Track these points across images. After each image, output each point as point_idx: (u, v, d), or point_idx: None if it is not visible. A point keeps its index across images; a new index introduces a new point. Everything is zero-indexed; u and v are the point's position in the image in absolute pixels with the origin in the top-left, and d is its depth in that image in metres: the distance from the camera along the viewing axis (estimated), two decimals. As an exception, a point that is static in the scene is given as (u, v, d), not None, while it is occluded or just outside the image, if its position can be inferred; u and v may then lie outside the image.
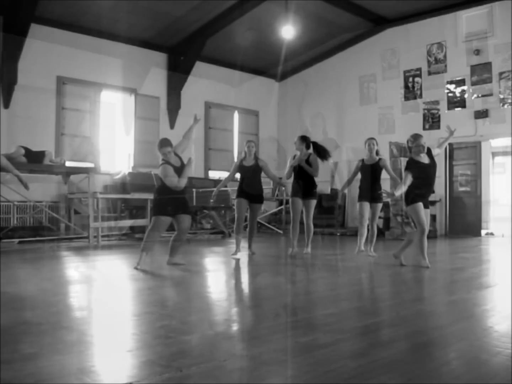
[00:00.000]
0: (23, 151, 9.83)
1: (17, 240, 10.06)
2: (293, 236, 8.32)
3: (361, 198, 8.03)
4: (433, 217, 12.27)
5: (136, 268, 6.27)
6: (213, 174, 15.29)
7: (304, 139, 8.53)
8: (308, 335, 3.16)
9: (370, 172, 7.98)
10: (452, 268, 6.93)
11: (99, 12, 11.91)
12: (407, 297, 4.80)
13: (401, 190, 6.58)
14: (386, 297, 4.85)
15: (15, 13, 11.10)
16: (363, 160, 8.13)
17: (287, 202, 13.38)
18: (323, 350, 2.88)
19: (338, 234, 12.88)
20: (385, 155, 12.30)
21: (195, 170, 13.21)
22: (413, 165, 6.62)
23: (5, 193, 10.12)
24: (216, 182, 14.53)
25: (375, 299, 4.54)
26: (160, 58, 14.17)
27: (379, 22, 14.38)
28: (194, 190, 12.61)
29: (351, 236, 12.60)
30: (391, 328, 3.51)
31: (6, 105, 11.40)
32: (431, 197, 7.38)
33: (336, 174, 13.80)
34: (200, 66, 14.44)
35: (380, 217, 13.13)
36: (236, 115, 16.07)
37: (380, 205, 8.12)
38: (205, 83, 14.82)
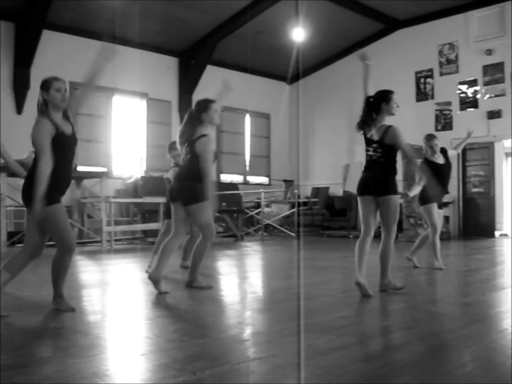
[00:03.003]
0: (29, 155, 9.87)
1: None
2: None
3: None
4: (446, 219, 12.21)
5: (147, 271, 6.29)
6: (225, 178, 15.32)
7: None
8: (321, 338, 3.16)
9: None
10: (466, 270, 6.89)
11: (110, 18, 11.97)
12: (421, 299, 4.78)
13: (415, 191, 6.56)
14: (399, 299, 4.83)
15: (27, 20, 11.19)
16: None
17: (299, 205, 13.41)
18: (337, 353, 2.87)
19: (351, 236, 12.85)
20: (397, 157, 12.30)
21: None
22: (427, 165, 6.60)
23: (19, 198, 10.17)
24: (228, 185, 14.57)
25: (389, 301, 4.52)
26: (171, 62, 14.22)
27: (390, 24, 14.35)
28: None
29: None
30: (405, 330, 3.49)
31: (19, 111, 11.49)
32: (445, 198, 7.34)
33: (348, 176, 13.78)
34: (211, 70, 14.47)
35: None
36: (247, 118, 16.09)
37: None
38: (216, 86, 14.81)
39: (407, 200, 11.34)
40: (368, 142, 4.93)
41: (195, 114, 5.17)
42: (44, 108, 3.93)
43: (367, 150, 4.93)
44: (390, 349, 2.98)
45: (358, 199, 4.90)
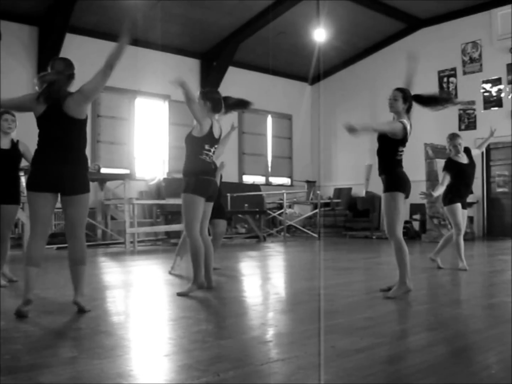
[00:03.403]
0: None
1: (55, 246, 10.23)
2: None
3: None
4: (470, 219, 12.09)
5: (170, 272, 6.33)
6: (247, 179, 15.33)
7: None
8: (344, 339, 3.14)
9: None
10: (491, 271, 6.82)
11: (133, 20, 12.04)
12: (445, 300, 4.74)
13: (439, 191, 6.51)
14: (423, 300, 4.80)
15: (51, 24, 11.32)
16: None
17: (321, 206, 13.36)
18: (360, 354, 2.85)
19: (374, 237, 12.79)
20: (420, 157, 12.20)
21: (230, 175, 13.27)
22: (451, 165, 6.55)
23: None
24: (250, 186, 14.58)
25: (412, 302, 4.49)
26: (193, 64, 14.28)
27: (412, 23, 14.26)
28: (228, 195, 12.65)
29: (387, 239, 12.49)
30: (429, 332, 3.46)
31: (44, 113, 11.61)
32: (469, 198, 7.27)
33: (370, 177, 13.70)
34: (232, 71, 14.50)
35: (416, 219, 13.02)
36: (269, 119, 16.09)
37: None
38: (238, 88, 14.87)
39: (431, 201, 11.27)
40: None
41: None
42: None
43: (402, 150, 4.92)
44: (414, 350, 2.95)
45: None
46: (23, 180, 7.72)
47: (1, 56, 10.28)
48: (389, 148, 4.77)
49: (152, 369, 2.69)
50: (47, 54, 11.60)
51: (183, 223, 5.05)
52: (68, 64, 4.19)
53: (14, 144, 5.48)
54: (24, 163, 5.79)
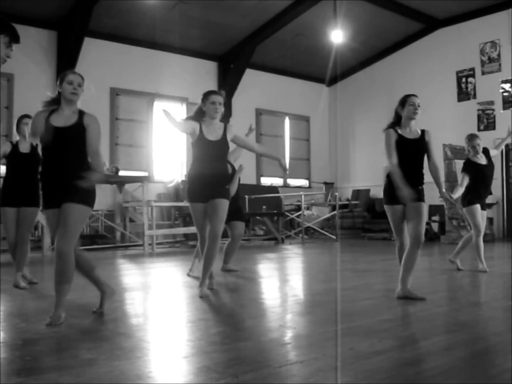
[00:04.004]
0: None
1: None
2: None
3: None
4: (490, 220, 11.99)
5: (189, 274, 6.35)
6: (265, 181, 15.33)
7: None
8: (363, 342, 3.13)
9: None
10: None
11: (150, 24, 12.14)
12: (465, 302, 4.70)
13: (458, 193, 6.46)
14: (442, 302, 4.76)
15: (69, 28, 11.43)
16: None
17: (340, 208, 13.32)
18: (379, 357, 2.84)
19: (392, 239, 12.69)
20: (439, 158, 12.12)
21: (248, 177, 13.28)
22: (470, 166, 6.50)
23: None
24: (268, 188, 14.58)
25: (432, 304, 4.45)
26: (211, 66, 14.32)
27: (430, 23, 14.18)
28: (246, 196, 12.66)
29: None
30: (449, 334, 3.44)
31: (63, 117, 11.70)
32: (488, 199, 7.21)
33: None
34: (250, 73, 14.52)
35: (435, 221, 12.93)
36: (287, 121, 16.08)
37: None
38: (255, 90, 14.90)
39: (450, 202, 11.19)
40: None
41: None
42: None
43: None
44: (433, 353, 2.93)
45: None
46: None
47: (21, 60, 10.38)
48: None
49: (170, 371, 2.70)
50: (66, 58, 11.72)
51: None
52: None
53: (34, 148, 5.55)
54: None
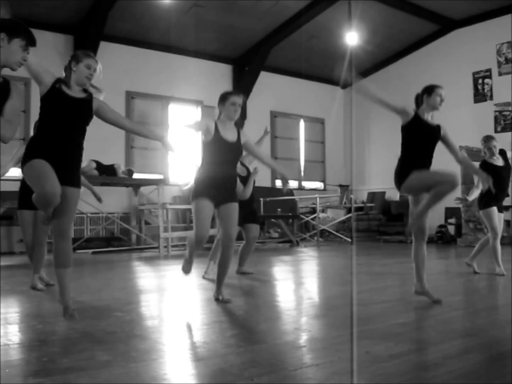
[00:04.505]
0: (94, 165, 10.17)
1: (90, 250, 10.37)
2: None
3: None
4: (507, 223, 11.88)
5: (204, 277, 6.36)
6: (280, 183, 15.29)
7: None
8: (379, 345, 3.12)
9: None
10: (529, 276, 6.68)
11: (165, 27, 12.20)
12: (482, 306, 4.66)
13: (474, 195, 6.41)
14: (459, 306, 4.73)
15: (85, 32, 11.51)
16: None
17: (355, 210, 13.29)
18: (395, 360, 2.82)
19: (408, 241, 12.64)
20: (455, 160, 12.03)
21: (262, 179, 13.28)
22: (486, 167, 6.45)
23: (79, 205, 10.44)
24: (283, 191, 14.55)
25: (448, 308, 4.42)
26: (225, 69, 14.35)
27: (446, 24, 14.10)
28: (261, 199, 12.66)
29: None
30: (466, 338, 3.41)
31: (79, 120, 11.78)
32: (505, 202, 7.15)
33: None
34: (264, 76, 14.53)
35: (451, 223, 12.85)
36: (301, 123, 16.07)
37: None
38: (270, 92, 14.91)
39: (466, 204, 11.11)
40: None
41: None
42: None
43: None
44: (451, 357, 2.91)
45: None
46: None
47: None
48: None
49: (185, 373, 2.70)
50: (82, 61, 11.77)
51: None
52: None
53: None
54: None
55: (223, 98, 4.82)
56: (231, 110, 4.75)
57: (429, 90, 4.73)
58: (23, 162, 3.65)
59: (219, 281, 4.78)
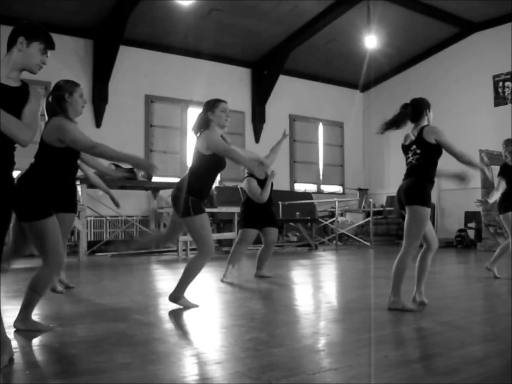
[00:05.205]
0: (114, 168, 10.23)
1: (109, 253, 10.43)
2: None
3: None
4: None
5: (222, 280, 6.37)
6: (299, 187, 15.31)
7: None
8: (398, 350, 3.10)
9: None
10: (551, 281, 6.60)
11: (184, 31, 12.26)
12: (502, 311, 4.61)
13: (494, 197, 6.36)
14: (479, 311, 4.69)
15: (105, 37, 11.61)
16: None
17: (374, 214, 13.23)
18: (414, 365, 2.81)
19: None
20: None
21: (281, 183, 13.29)
22: (506, 170, 6.39)
23: (98, 208, 10.54)
24: (302, 195, 14.56)
25: (468, 313, 4.39)
26: (244, 73, 14.38)
27: (466, 27, 14.00)
28: (280, 203, 12.65)
29: (441, 248, 12.24)
30: (486, 343, 3.38)
31: (98, 124, 11.89)
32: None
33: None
34: (283, 80, 14.54)
35: (471, 228, 12.73)
36: (320, 127, 16.04)
37: None
38: (288, 96, 14.91)
39: (486, 208, 11.02)
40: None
41: (202, 115, 4.87)
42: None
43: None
44: (470, 362, 2.88)
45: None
46: (79, 189, 7.92)
47: (58, 68, 10.55)
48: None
49: (204, 376, 2.71)
50: (102, 66, 11.90)
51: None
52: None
53: None
54: (80, 173, 5.94)
55: (213, 105, 4.79)
56: (222, 118, 4.77)
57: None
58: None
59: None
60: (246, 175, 6.66)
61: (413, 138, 4.61)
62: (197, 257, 4.66)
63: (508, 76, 13.45)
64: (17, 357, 2.92)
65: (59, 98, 3.90)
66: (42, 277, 3.59)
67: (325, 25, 12.75)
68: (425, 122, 4.68)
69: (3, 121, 2.67)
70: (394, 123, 4.67)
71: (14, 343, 3.16)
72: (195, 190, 4.59)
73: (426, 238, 4.72)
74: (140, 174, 10.69)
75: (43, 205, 3.55)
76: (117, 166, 10.29)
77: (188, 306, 4.62)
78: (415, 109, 4.69)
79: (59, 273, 5.28)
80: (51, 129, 3.72)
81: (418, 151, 4.56)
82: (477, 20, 13.74)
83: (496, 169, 8.85)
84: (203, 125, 4.79)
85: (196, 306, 4.65)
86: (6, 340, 2.83)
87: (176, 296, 4.63)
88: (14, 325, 3.55)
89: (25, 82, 2.99)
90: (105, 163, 6.19)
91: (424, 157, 4.54)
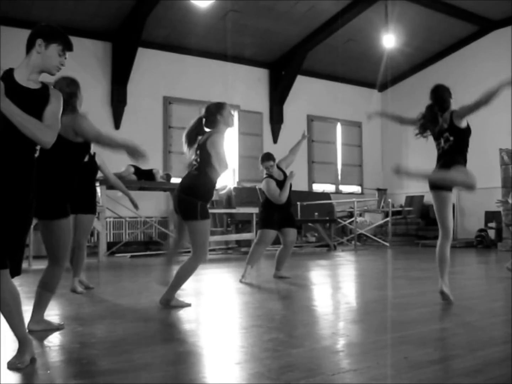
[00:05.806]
0: (133, 170, 10.31)
1: (129, 254, 10.49)
2: None
3: None
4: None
5: (241, 281, 6.37)
6: (317, 187, 15.28)
7: None
8: (418, 351, 3.08)
9: None
10: None
11: (202, 33, 12.30)
12: (524, 311, 4.57)
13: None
14: (500, 312, 4.64)
15: (123, 39, 11.68)
16: None
17: (393, 214, 13.16)
18: (435, 366, 2.79)
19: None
20: (495, 163, 11.83)
21: (299, 183, 13.27)
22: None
23: (118, 209, 10.61)
24: (320, 195, 14.53)
25: (489, 314, 4.35)
26: (262, 74, 14.39)
27: (484, 25, 13.87)
28: (298, 203, 12.64)
29: (461, 248, 12.17)
30: (507, 344, 3.34)
31: (117, 126, 11.97)
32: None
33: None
34: (301, 80, 14.52)
35: (491, 227, 12.62)
36: (338, 127, 16.00)
37: None
38: (306, 96, 14.89)
39: (507, 208, 10.91)
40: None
41: (208, 116, 4.98)
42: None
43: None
44: (492, 363, 2.86)
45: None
46: (98, 190, 7.98)
47: (77, 71, 10.64)
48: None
49: (224, 376, 2.71)
50: (121, 68, 11.98)
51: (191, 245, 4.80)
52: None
53: (92, 157, 5.69)
54: (99, 175, 6.00)
55: (221, 107, 4.96)
56: (230, 119, 4.94)
57: None
58: None
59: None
60: (265, 176, 6.66)
61: (445, 126, 4.71)
62: (191, 260, 4.73)
63: (529, 75, 13.30)
64: (38, 357, 2.95)
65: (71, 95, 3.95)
66: (53, 275, 3.68)
67: (343, 25, 12.70)
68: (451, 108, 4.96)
69: (25, 123, 2.71)
70: (427, 126, 4.86)
71: (35, 343, 3.19)
72: (203, 193, 4.64)
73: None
74: (159, 176, 10.76)
75: (62, 204, 3.61)
76: (136, 167, 10.37)
77: (181, 306, 4.67)
78: (441, 101, 4.87)
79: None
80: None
81: (451, 138, 4.86)
82: (496, 18, 13.61)
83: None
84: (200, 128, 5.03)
85: (188, 305, 4.72)
86: (28, 340, 2.86)
87: (168, 299, 4.68)
88: (29, 327, 3.54)
89: (45, 84, 3.02)
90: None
91: (457, 141, 4.85)
